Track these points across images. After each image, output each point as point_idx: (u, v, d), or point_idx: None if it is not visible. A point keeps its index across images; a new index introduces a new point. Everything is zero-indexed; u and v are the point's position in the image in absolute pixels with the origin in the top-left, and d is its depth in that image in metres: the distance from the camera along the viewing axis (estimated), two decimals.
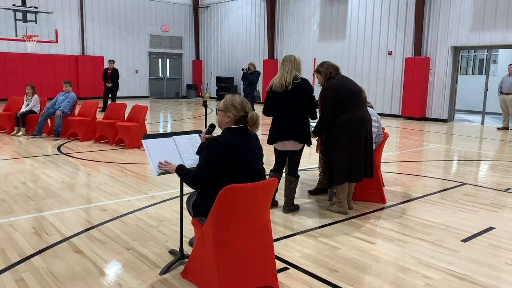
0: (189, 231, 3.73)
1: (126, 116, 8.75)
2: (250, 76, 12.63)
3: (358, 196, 4.97)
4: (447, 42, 13.30)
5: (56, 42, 15.32)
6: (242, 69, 12.87)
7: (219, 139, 2.84)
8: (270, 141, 4.55)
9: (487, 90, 13.43)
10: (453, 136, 10.94)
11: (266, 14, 18.56)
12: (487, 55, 14.19)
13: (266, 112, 4.58)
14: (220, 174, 2.79)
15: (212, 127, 3.14)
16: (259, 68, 18.96)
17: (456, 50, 13.48)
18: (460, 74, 15.07)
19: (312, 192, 5.32)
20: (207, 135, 3.12)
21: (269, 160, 7.15)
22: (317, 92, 4.32)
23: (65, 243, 3.69)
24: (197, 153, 3.18)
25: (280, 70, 4.47)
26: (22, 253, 3.46)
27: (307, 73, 19.88)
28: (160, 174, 3.07)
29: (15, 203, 4.73)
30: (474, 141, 10.13)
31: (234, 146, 2.81)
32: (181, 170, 2.98)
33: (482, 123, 13.53)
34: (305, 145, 4.54)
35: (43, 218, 4.30)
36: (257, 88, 12.88)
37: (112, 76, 14.15)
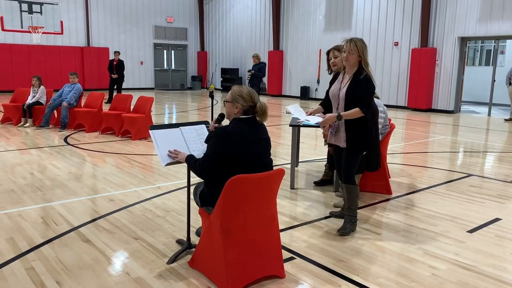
0: (196, 221, 3.75)
1: (132, 107, 8.78)
2: (255, 67, 12.52)
3: (364, 187, 4.97)
4: (454, 33, 13.18)
5: (62, 33, 15.37)
6: (249, 71, 12.69)
7: (227, 129, 2.84)
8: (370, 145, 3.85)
9: (494, 81, 13.33)
10: (460, 128, 10.89)
11: (271, 5, 18.45)
12: (494, 45, 14.06)
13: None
14: (227, 164, 2.80)
15: (222, 116, 3.15)
16: (265, 59, 18.91)
17: (463, 41, 13.37)
18: (467, 65, 14.96)
19: (317, 183, 5.33)
20: (216, 124, 3.13)
21: (275, 151, 7.16)
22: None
23: (73, 232, 3.73)
24: (206, 141, 3.19)
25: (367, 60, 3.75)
26: (32, 242, 3.50)
27: (312, 64, 19.66)
28: (167, 164, 3.08)
29: (24, 193, 4.78)
30: (480, 133, 10.08)
31: (242, 137, 2.81)
32: (190, 159, 3.00)
33: (489, 114, 13.45)
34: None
35: (51, 208, 4.34)
36: (263, 80, 12.74)
37: (117, 67, 14.18)
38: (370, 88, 3.71)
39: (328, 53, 4.61)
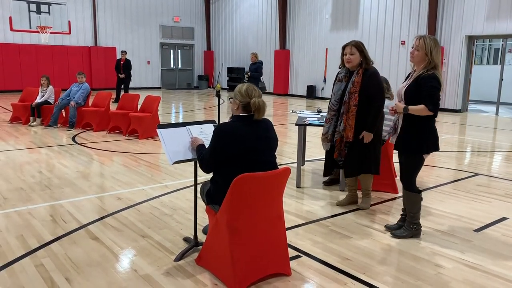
0: (203, 219, 3.78)
1: (139, 106, 8.83)
2: (252, 67, 12.34)
3: (371, 186, 4.96)
4: (462, 32, 13.10)
5: (69, 33, 15.47)
6: (245, 73, 12.57)
7: (223, 127, 2.91)
8: (431, 149, 3.70)
9: (502, 80, 13.24)
10: (467, 127, 10.83)
11: (277, 4, 18.44)
12: (502, 44, 13.96)
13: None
14: (226, 160, 2.87)
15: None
16: (271, 59, 18.90)
17: (471, 39, 13.28)
18: (474, 64, 14.87)
19: (326, 183, 5.33)
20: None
21: (281, 150, 7.17)
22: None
23: (82, 230, 3.78)
24: None
25: (438, 61, 3.55)
26: (41, 240, 3.55)
27: (319, 63, 19.53)
28: (175, 163, 3.11)
29: (33, 192, 4.84)
30: (488, 132, 10.02)
31: (236, 136, 2.86)
32: (199, 149, 3.12)
33: (497, 113, 13.36)
34: None
35: (60, 206, 4.40)
36: (261, 79, 12.49)
37: (124, 67, 14.26)
38: (433, 83, 3.42)
39: (344, 47, 4.25)
